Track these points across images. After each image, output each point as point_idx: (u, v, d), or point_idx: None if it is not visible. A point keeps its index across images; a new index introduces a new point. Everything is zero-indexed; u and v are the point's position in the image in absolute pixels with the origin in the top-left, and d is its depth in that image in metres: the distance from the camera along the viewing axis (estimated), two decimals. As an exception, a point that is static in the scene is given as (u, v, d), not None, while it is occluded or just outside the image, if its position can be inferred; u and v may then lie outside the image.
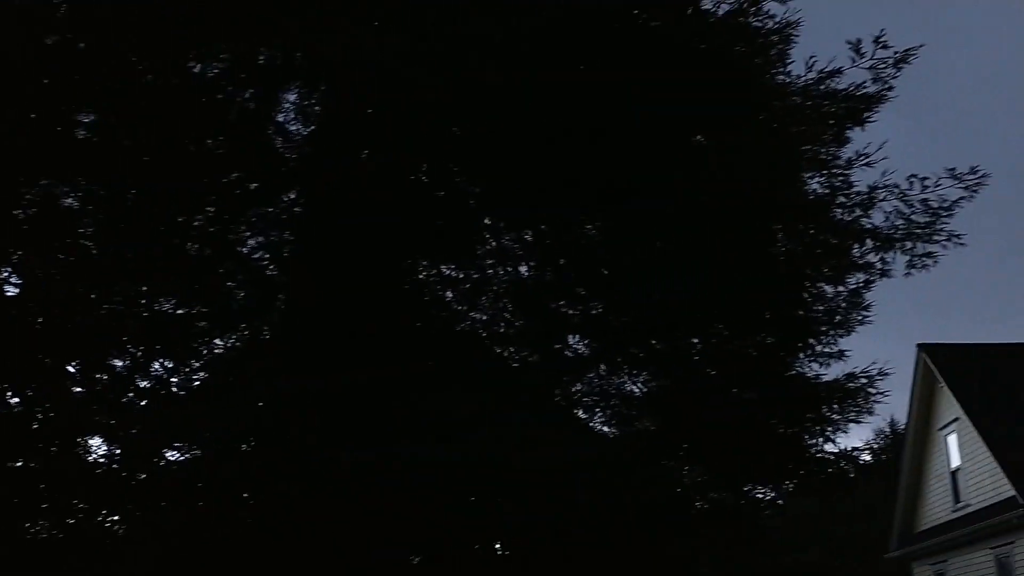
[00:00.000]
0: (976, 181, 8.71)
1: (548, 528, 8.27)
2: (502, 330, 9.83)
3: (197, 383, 8.79)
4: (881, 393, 9.36)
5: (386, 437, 7.09)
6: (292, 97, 9.44)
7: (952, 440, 22.82)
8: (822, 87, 9.10)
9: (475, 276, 9.80)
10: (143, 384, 8.52)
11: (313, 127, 9.46)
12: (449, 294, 9.90)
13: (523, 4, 8.37)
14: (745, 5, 9.38)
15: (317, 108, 9.47)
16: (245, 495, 8.09)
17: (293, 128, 9.49)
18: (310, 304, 8.27)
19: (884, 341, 11.77)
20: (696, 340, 9.78)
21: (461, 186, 9.52)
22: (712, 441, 9.50)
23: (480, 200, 9.58)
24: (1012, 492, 18.88)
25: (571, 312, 9.91)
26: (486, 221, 9.74)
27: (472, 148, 8.97)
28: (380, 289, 8.51)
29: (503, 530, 8.77)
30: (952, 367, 22.49)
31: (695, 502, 10.32)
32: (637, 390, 10.11)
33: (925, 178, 8.85)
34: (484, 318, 9.91)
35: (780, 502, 11.71)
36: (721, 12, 9.53)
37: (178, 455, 8.16)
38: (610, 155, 8.83)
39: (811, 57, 9.06)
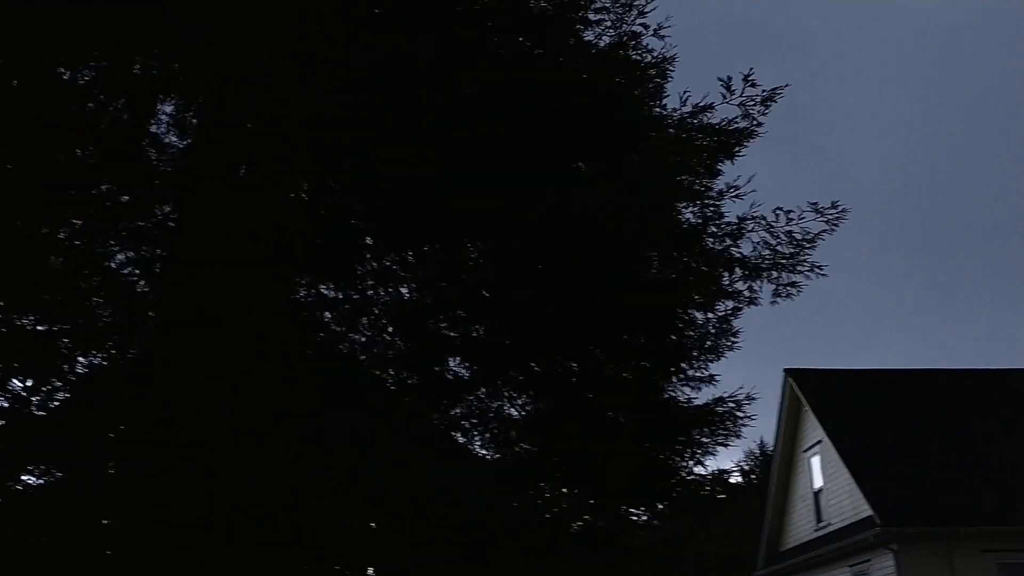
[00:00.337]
0: (837, 215, 9.16)
1: (422, 552, 8.22)
2: (381, 352, 9.75)
3: (58, 403, 8.40)
4: (748, 417, 9.69)
5: (256, 462, 6.93)
6: (168, 108, 9.19)
7: (815, 462, 23.77)
8: (695, 121, 9.43)
9: (355, 297, 9.71)
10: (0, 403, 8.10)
11: (189, 140, 9.23)
12: (328, 315, 9.77)
13: (411, 24, 8.41)
14: (625, 39, 9.67)
15: (194, 120, 9.25)
16: (106, 521, 7.77)
17: (169, 140, 9.24)
18: (182, 322, 8.03)
19: (752, 366, 12.20)
20: (574, 364, 9.93)
21: (343, 204, 9.44)
22: (588, 464, 9.66)
23: (362, 219, 9.51)
24: (869, 512, 19.77)
25: (452, 335, 9.92)
26: (367, 240, 9.68)
27: (354, 166, 8.91)
28: (256, 308, 8.33)
29: (377, 556, 8.67)
30: (816, 391, 23.47)
31: (570, 524, 10.43)
32: (516, 413, 10.19)
33: (790, 211, 9.25)
34: (363, 340, 9.82)
35: (654, 523, 11.95)
36: (603, 44, 9.80)
37: (36, 479, 7.78)
38: (493, 178, 8.93)
39: (685, 91, 9.41)
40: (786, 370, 24.61)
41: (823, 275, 9.39)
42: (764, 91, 9.10)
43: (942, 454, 20.98)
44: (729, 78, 9.11)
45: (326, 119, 8.15)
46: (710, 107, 9.33)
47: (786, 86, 9.17)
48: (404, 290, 9.86)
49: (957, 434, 21.72)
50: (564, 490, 10.46)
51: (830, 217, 9.17)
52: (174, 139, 9.27)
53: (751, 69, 9.07)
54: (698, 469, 10.07)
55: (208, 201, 8.54)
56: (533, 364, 9.99)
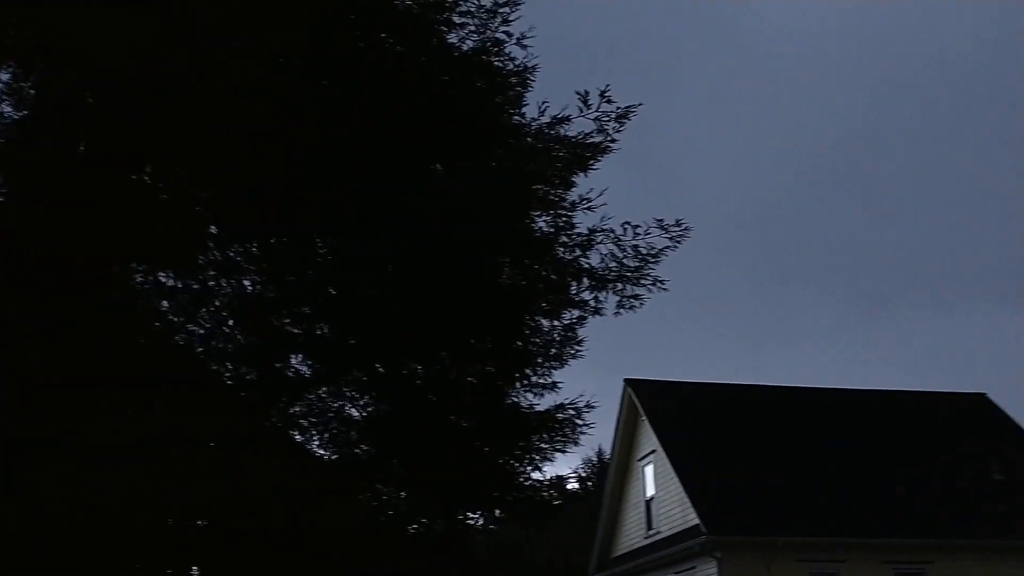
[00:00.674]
0: (680, 233, 9.47)
1: (252, 553, 7.98)
2: (220, 345, 9.42)
3: None
4: (587, 424, 9.88)
5: (79, 456, 6.56)
6: (4, 77, 8.62)
7: (649, 471, 24.52)
8: (553, 132, 9.57)
9: (195, 287, 9.35)
10: None
11: (25, 112, 8.67)
12: (165, 304, 9.37)
13: (274, 14, 8.18)
14: (488, 45, 9.72)
15: (32, 91, 8.70)
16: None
17: (2, 111, 8.66)
18: (2, 303, 7.53)
19: (594, 375, 12.46)
20: (419, 366, 9.88)
21: (188, 190, 9.08)
22: (427, 467, 9.62)
23: (207, 207, 9.18)
24: (697, 521, 20.55)
25: (295, 331, 9.70)
26: (212, 230, 9.34)
27: (203, 152, 8.59)
28: (86, 293, 7.89)
29: (203, 556, 8.35)
30: (654, 402, 24.22)
31: (407, 527, 10.37)
32: (357, 414, 10.05)
33: (637, 226, 9.50)
34: (202, 332, 9.47)
35: (491, 528, 12.02)
36: (466, 48, 9.82)
37: None
38: (347, 173, 8.79)
39: (544, 102, 9.53)
40: (626, 380, 25.28)
41: (665, 289, 9.69)
42: (619, 108, 9.33)
43: (768, 467, 22.02)
44: (586, 92, 9.29)
45: (176, 100, 7.83)
46: (567, 119, 9.48)
47: (640, 105, 9.43)
48: (248, 283, 9.57)
49: (784, 449, 22.85)
50: (402, 493, 10.40)
51: (674, 234, 9.47)
52: (8, 109, 8.71)
53: (607, 86, 9.28)
54: (536, 475, 10.21)
55: (41, 177, 8.04)
56: (378, 365, 9.88)
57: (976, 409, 25.50)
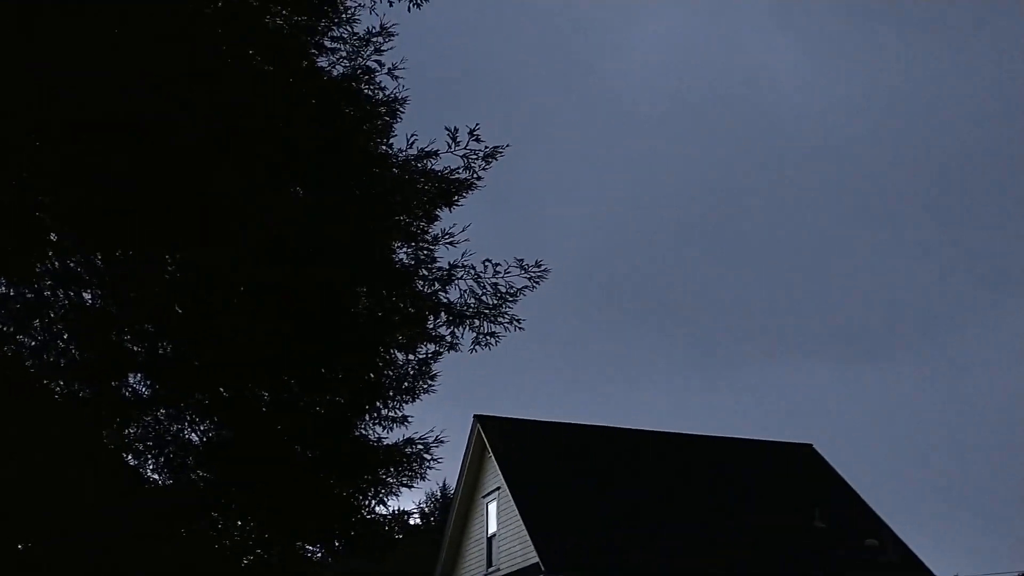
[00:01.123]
0: (539, 274, 9.63)
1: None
2: (53, 359, 8.89)
3: None
4: (435, 459, 9.83)
5: None
6: None
7: (493, 507, 24.58)
8: (420, 164, 9.58)
9: (29, 296, 8.81)
10: None
11: None
12: (-6, 312, 8.78)
13: (114, 16, 7.88)
14: (359, 72, 9.65)
15: None
16: None
17: None
18: None
19: (445, 410, 12.42)
20: (266, 392, 9.60)
21: (28, 195, 8.57)
22: (267, 496, 9.32)
23: (49, 213, 8.69)
24: (536, 559, 20.72)
25: (136, 349, 9.27)
26: (52, 237, 8.84)
27: (46, 157, 8.14)
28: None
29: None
30: (502, 439, 24.35)
31: (242, 558, 9.99)
32: (196, 438, 9.65)
33: (498, 264, 9.60)
34: (33, 344, 8.92)
35: (329, 560, 11.74)
36: (336, 73, 9.72)
37: None
38: (199, 189, 8.50)
39: (413, 134, 9.54)
40: (475, 416, 25.32)
41: (521, 328, 9.79)
42: (488, 147, 9.44)
43: (608, 507, 22.45)
44: (456, 129, 9.36)
45: (18, 105, 7.42)
46: (435, 154, 9.52)
47: (507, 146, 9.57)
48: (88, 295, 9.09)
49: (624, 490, 23.36)
50: (239, 522, 10.03)
51: (533, 274, 9.61)
52: None
53: (477, 124, 9.38)
54: (380, 508, 10.06)
55: None
56: (222, 388, 9.55)
57: (803, 459, 26.80)
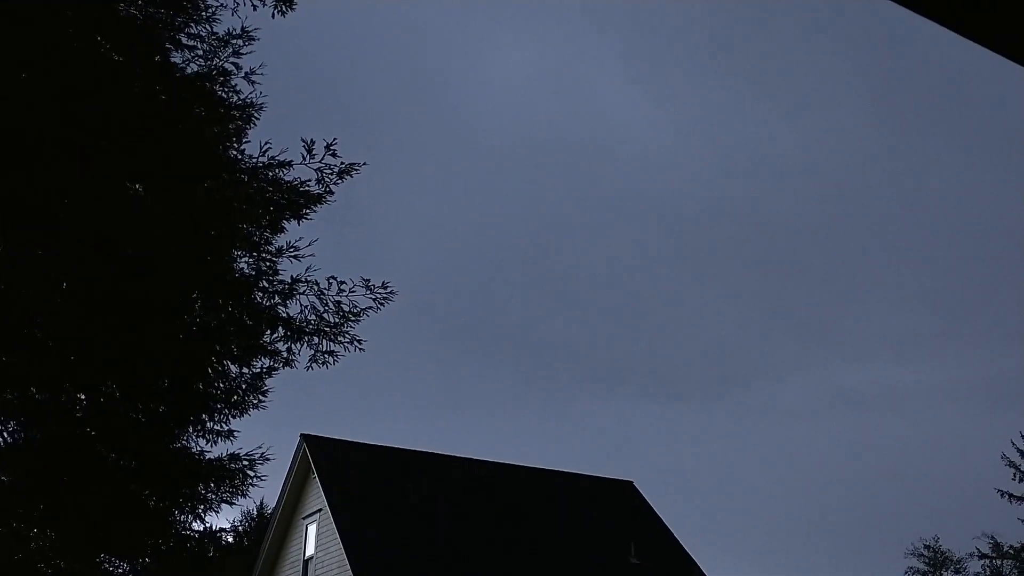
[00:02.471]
0: (385, 296, 9.56)
1: None
2: None
3: None
4: (259, 477, 9.55)
5: None
6: None
7: (312, 529, 24.02)
8: (270, 174, 9.36)
9: None
10: None
11: None
12: None
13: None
14: (215, 73, 9.38)
15: None
16: None
17: None
18: None
19: (274, 426, 12.10)
20: (83, 396, 9.09)
21: None
22: (72, 505, 8.80)
23: None
24: (354, 584, 20.38)
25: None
26: None
27: None
28: None
29: None
30: (328, 460, 23.87)
31: (37, 568, 9.37)
32: (1, 440, 9.03)
33: (343, 282, 9.47)
34: None
35: (131, 576, 11.17)
36: (189, 71, 9.41)
37: None
38: (24, 175, 8.03)
39: (266, 142, 9.32)
40: (303, 435, 24.74)
41: (362, 349, 9.68)
42: (343, 163, 9.33)
43: (433, 535, 22.36)
44: (312, 141, 9.23)
45: None
46: (288, 164, 9.33)
47: (364, 164, 9.50)
48: None
49: (450, 519, 23.33)
50: (36, 530, 9.41)
51: (379, 296, 9.54)
52: None
53: (335, 139, 9.28)
54: (195, 524, 9.67)
55: None
56: (34, 388, 8.98)
57: (623, 495, 27.56)
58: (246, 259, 9.41)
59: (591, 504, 26.80)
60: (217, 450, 9.58)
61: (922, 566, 45.33)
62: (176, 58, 9.43)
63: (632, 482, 28.62)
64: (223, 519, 42.58)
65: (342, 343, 9.46)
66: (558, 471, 27.56)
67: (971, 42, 1.93)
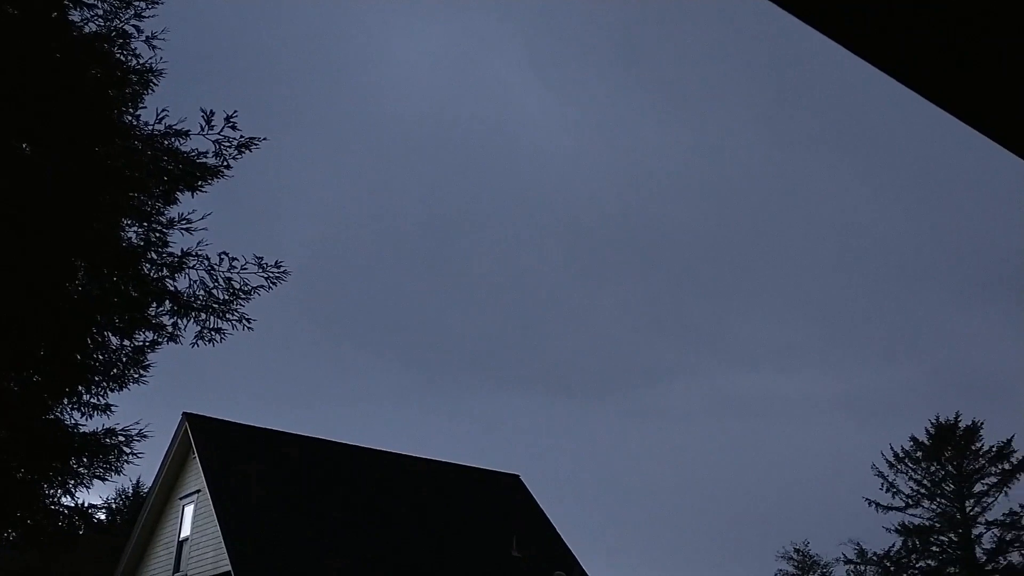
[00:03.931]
0: (278, 275, 9.38)
1: None
2: None
3: None
4: (135, 454, 9.27)
5: None
6: None
7: (189, 510, 23.43)
8: (166, 143, 9.09)
9: None
10: None
11: None
12: None
13: None
14: (114, 34, 9.05)
15: None
16: None
17: None
18: None
19: (155, 403, 11.76)
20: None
21: None
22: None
23: None
24: (228, 567, 19.95)
25: None
26: None
27: None
28: None
29: None
30: (210, 441, 23.31)
31: None
32: None
33: (235, 259, 9.25)
34: None
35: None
36: (88, 30, 9.06)
37: None
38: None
39: (163, 110, 9.05)
40: (185, 414, 24.11)
41: (250, 328, 9.48)
42: (243, 136, 9.12)
43: (312, 521, 22.06)
44: (212, 112, 9.00)
45: None
46: (185, 134, 9.07)
47: (264, 139, 9.31)
48: None
49: (332, 505, 23.06)
50: None
51: (272, 275, 9.35)
52: None
53: (235, 111, 9.07)
54: (65, 499, 9.33)
55: None
56: None
57: (510, 489, 27.76)
58: (135, 229, 9.12)
59: (476, 496, 26.95)
60: (92, 424, 9.27)
61: (791, 569, 47.10)
62: (75, 16, 9.08)
63: (518, 476, 28.89)
64: (96, 496, 41.22)
65: (231, 321, 9.25)
66: (444, 462, 27.61)
67: (859, 61, 2.01)
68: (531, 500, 28.10)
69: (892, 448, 34.39)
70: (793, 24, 2.00)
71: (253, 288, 9.25)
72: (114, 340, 9.19)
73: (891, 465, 34.16)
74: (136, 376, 9.39)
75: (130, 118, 9.05)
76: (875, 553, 36.22)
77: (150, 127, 9.03)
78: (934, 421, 34.12)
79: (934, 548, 33.26)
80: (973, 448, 33.25)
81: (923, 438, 34.00)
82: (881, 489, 34.02)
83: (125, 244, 9.01)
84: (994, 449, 32.88)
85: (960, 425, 33.60)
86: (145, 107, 9.11)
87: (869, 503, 34.08)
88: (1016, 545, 32.11)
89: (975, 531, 32.57)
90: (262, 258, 9.28)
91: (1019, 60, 1.84)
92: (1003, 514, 32.18)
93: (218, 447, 23.84)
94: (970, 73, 1.92)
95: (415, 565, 22.79)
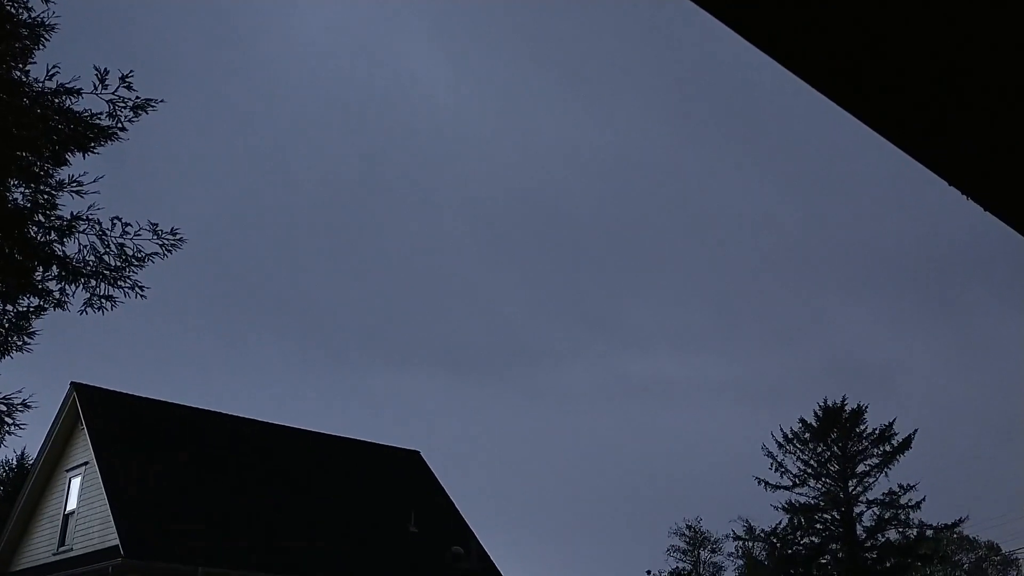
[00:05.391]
0: (173, 243, 9.12)
1: None
2: None
3: None
4: (18, 425, 8.92)
5: None
6: None
7: (76, 483, 22.72)
8: (57, 101, 8.70)
9: None
10: None
11: None
12: None
13: None
14: (3, -16, 8.62)
15: None
16: None
17: None
18: None
19: (40, 372, 11.32)
20: None
21: None
22: None
23: None
24: (116, 541, 19.42)
25: None
26: None
27: None
28: None
29: None
30: (100, 412, 22.60)
31: None
32: None
33: (128, 224, 8.95)
34: None
35: None
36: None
37: None
38: None
39: (54, 66, 8.66)
40: (73, 383, 23.32)
41: (143, 296, 9.20)
42: (139, 98, 8.80)
43: (204, 496, 21.62)
44: (106, 71, 8.65)
45: None
46: (77, 92, 8.70)
47: (161, 101, 9.00)
48: None
49: (225, 479, 22.63)
50: None
51: (167, 242, 9.09)
52: None
53: (131, 71, 8.73)
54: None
55: None
56: None
57: (410, 465, 27.74)
58: (22, 190, 8.72)
59: (375, 472, 26.86)
60: (-29, 393, 8.87)
61: (683, 544, 48.46)
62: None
63: (418, 452, 28.90)
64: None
65: (122, 288, 8.96)
66: (342, 437, 27.43)
67: (757, 52, 2.04)
68: (430, 476, 28.16)
69: (782, 429, 35.59)
70: (692, 10, 2.02)
71: (147, 255, 8.98)
72: (-5, 305, 8.82)
73: (780, 446, 35.35)
74: (20, 344, 9.02)
75: (18, 74, 8.64)
76: (763, 530, 37.53)
77: (40, 84, 8.64)
78: (822, 404, 35.42)
79: (818, 525, 34.61)
80: (857, 431, 34.66)
81: (811, 420, 35.27)
82: (770, 469, 35.18)
83: (11, 205, 8.62)
84: (876, 432, 34.34)
85: (846, 408, 34.97)
86: (35, 62, 8.71)
87: (759, 482, 35.22)
88: (894, 523, 33.69)
89: (856, 509, 34.02)
90: (156, 224, 9.02)
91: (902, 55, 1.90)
92: (883, 494, 33.69)
93: (107, 418, 23.17)
94: (855, 67, 1.96)
95: (311, 540, 22.62)
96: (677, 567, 45.96)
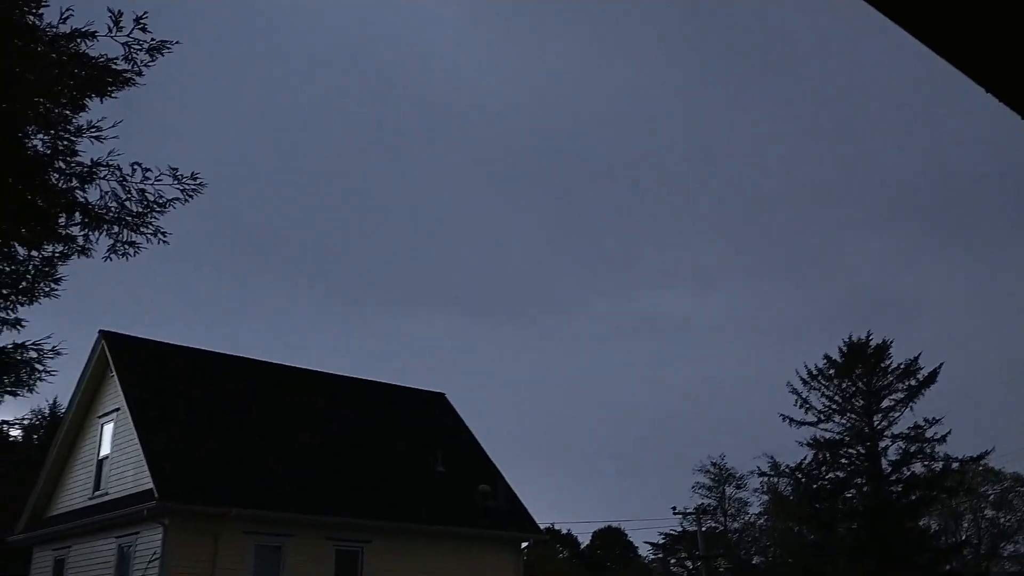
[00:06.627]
0: (194, 188, 9.07)
1: None
2: None
3: None
4: (49, 371, 9.01)
5: None
6: None
7: (109, 429, 23.07)
8: (72, 46, 8.60)
9: None
10: None
11: None
12: None
13: None
14: (13, -74, 8.47)
15: None
16: None
17: None
18: None
19: (70, 320, 11.42)
20: None
21: None
22: None
23: None
24: (149, 485, 19.77)
25: None
26: None
27: None
28: None
29: None
30: (129, 359, 22.85)
31: None
32: None
33: (148, 169, 8.91)
34: None
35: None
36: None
37: None
38: None
39: (68, 10, 8.53)
40: (102, 331, 23.55)
41: (166, 242, 9.19)
42: (154, 40, 8.68)
43: (233, 439, 21.91)
44: (120, 13, 8.51)
45: None
46: (92, 35, 8.57)
47: (177, 42, 8.88)
48: None
49: (252, 422, 22.91)
50: None
51: (187, 187, 9.03)
52: None
53: (145, 12, 8.60)
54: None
55: None
56: None
57: (435, 407, 27.96)
58: (41, 136, 8.67)
59: (402, 414, 27.10)
60: (2, 340, 8.96)
61: (708, 481, 48.80)
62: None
63: (444, 394, 29.10)
64: (8, 413, 40.15)
65: (145, 234, 8.94)
66: (370, 380, 27.64)
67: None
68: (456, 417, 28.40)
69: (806, 366, 35.52)
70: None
71: (168, 200, 8.94)
72: (21, 251, 8.83)
73: (805, 382, 35.31)
74: (47, 290, 9.07)
75: (32, 19, 8.54)
76: (787, 466, 37.69)
77: (54, 28, 8.53)
78: (847, 340, 35.26)
79: (843, 460, 34.69)
80: (882, 366, 34.53)
81: (836, 356, 35.15)
82: (795, 405, 35.21)
83: (30, 152, 8.59)
84: (902, 366, 34.19)
85: (871, 344, 34.80)
86: (48, 5, 8.59)
87: (783, 418, 35.28)
88: (919, 457, 33.70)
89: (881, 444, 34.04)
90: (177, 169, 8.96)
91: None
92: (908, 428, 33.67)
93: (136, 365, 23.44)
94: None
95: (341, 481, 22.91)
96: (702, 503, 46.37)
